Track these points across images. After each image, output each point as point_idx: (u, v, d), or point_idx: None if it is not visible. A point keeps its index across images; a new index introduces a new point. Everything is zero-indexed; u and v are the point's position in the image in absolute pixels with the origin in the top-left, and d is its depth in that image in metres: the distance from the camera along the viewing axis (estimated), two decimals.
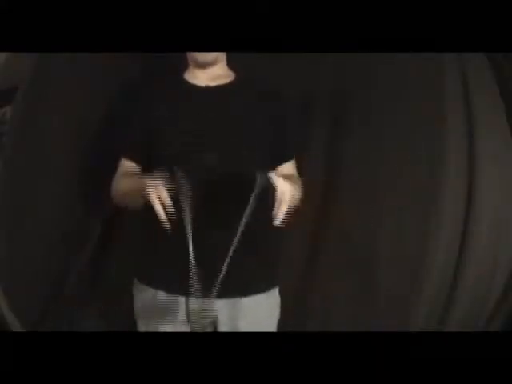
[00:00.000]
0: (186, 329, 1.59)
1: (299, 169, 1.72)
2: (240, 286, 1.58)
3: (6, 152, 1.98)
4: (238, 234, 1.50)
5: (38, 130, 1.99)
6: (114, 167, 1.66)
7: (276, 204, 1.41)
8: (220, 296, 1.56)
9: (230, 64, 1.69)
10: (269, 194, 1.52)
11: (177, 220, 1.47)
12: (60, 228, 2.00)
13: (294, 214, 1.47)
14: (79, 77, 1.98)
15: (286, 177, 1.62)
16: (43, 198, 1.99)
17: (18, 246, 1.97)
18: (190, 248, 1.46)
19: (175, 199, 1.42)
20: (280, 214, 1.40)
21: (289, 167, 1.69)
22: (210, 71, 1.63)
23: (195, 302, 1.56)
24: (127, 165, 1.65)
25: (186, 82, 1.65)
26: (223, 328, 1.58)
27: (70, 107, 1.98)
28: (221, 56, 1.65)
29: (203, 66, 1.62)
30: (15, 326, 1.62)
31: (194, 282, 1.55)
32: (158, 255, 1.59)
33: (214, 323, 1.59)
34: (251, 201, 1.45)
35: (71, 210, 2.02)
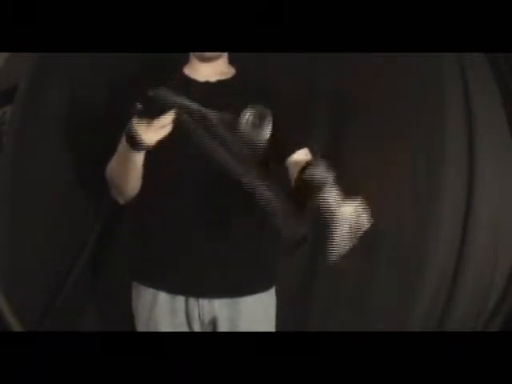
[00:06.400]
0: (185, 329, 1.59)
1: None
2: (239, 286, 1.58)
3: (6, 152, 1.98)
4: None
5: (37, 130, 1.98)
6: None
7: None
8: (219, 296, 1.56)
9: (231, 61, 1.68)
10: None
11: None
12: (60, 228, 2.00)
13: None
14: (79, 77, 1.98)
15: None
16: (43, 197, 1.99)
17: (17, 246, 1.97)
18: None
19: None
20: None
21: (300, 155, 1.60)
22: (214, 65, 1.62)
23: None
24: None
25: (187, 77, 1.64)
26: (222, 328, 1.59)
27: (70, 107, 1.98)
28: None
29: (208, 59, 1.61)
30: (15, 326, 1.62)
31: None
32: (158, 256, 1.59)
33: (214, 323, 1.59)
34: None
35: (71, 210, 2.02)
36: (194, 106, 1.33)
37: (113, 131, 1.71)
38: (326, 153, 1.36)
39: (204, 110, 1.33)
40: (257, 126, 1.28)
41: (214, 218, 1.52)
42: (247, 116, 1.29)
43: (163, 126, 1.34)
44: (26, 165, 1.98)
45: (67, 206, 2.02)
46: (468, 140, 1.96)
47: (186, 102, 1.33)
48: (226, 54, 1.65)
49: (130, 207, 1.65)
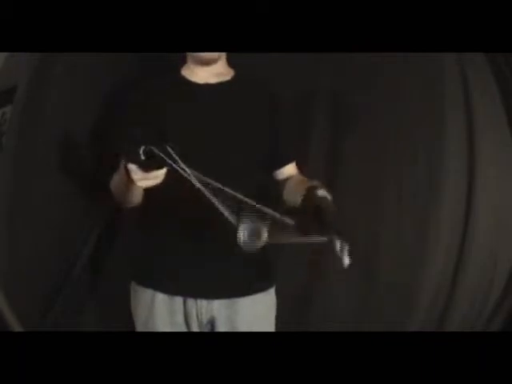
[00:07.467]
0: (183, 329, 1.59)
1: (300, 169, 1.72)
2: (237, 286, 1.58)
3: (6, 152, 1.98)
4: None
5: (37, 130, 1.98)
6: (113, 167, 1.66)
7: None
8: (218, 296, 1.56)
9: (230, 62, 1.68)
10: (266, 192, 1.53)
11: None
12: (60, 228, 2.00)
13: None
14: (79, 77, 1.98)
15: (292, 178, 1.62)
16: (43, 198, 1.99)
17: (17, 245, 1.97)
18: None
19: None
20: None
21: (290, 169, 1.68)
22: (212, 68, 1.61)
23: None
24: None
25: (184, 79, 1.64)
26: (221, 328, 1.59)
27: (70, 107, 1.98)
28: (222, 53, 1.62)
29: (207, 63, 1.60)
30: (15, 326, 1.62)
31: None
32: (156, 256, 1.59)
33: (212, 323, 1.59)
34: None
35: (71, 210, 2.02)
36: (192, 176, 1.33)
37: (113, 131, 1.72)
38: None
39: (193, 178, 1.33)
40: (253, 239, 1.31)
41: (212, 217, 1.52)
42: (243, 233, 1.31)
43: (157, 177, 1.33)
44: (25, 165, 1.98)
45: (67, 205, 2.02)
46: (468, 140, 1.96)
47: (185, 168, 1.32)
48: (224, 56, 1.64)
49: (130, 208, 1.65)
